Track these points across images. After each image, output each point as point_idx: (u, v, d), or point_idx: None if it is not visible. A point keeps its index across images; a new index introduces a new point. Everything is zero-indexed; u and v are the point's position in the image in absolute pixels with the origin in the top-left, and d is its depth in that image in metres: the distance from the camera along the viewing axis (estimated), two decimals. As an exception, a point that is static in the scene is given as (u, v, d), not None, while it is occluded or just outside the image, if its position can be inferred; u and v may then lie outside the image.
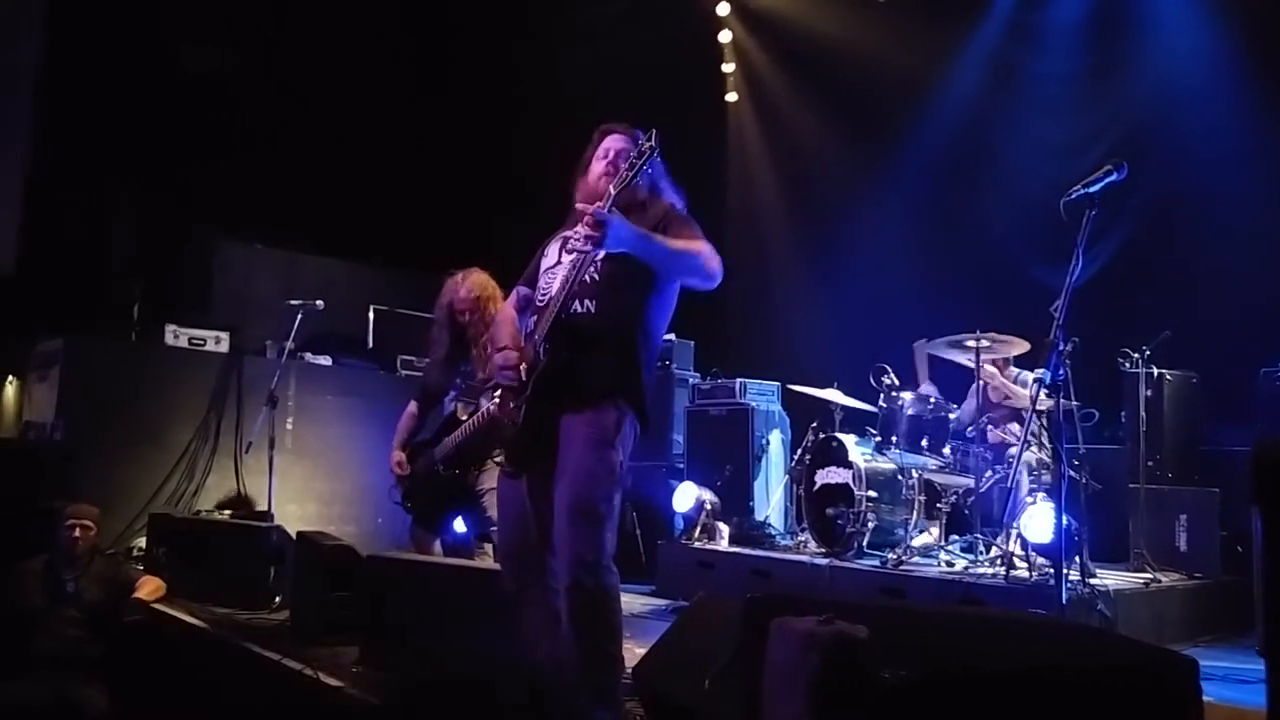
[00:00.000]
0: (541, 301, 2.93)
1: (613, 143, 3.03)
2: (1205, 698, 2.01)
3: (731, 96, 9.25)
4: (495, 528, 4.15)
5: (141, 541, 5.66)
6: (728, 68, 9.20)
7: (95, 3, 7.68)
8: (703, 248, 2.83)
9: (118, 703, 4.23)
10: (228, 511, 6.21)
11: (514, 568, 2.91)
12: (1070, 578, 4.15)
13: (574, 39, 8.54)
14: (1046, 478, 4.92)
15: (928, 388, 5.61)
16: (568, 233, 2.98)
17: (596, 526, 2.68)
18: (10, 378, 7.43)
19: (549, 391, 2.77)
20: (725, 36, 9.07)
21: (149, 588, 4.60)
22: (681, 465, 6.94)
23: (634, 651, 3.15)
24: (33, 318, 7.12)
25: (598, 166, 3.02)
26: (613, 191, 2.77)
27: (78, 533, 4.43)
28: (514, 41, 8.88)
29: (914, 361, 5.84)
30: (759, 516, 6.42)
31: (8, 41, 7.58)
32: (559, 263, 2.96)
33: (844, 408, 5.97)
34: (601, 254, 2.77)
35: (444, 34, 9.01)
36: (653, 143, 2.75)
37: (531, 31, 8.82)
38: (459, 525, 4.39)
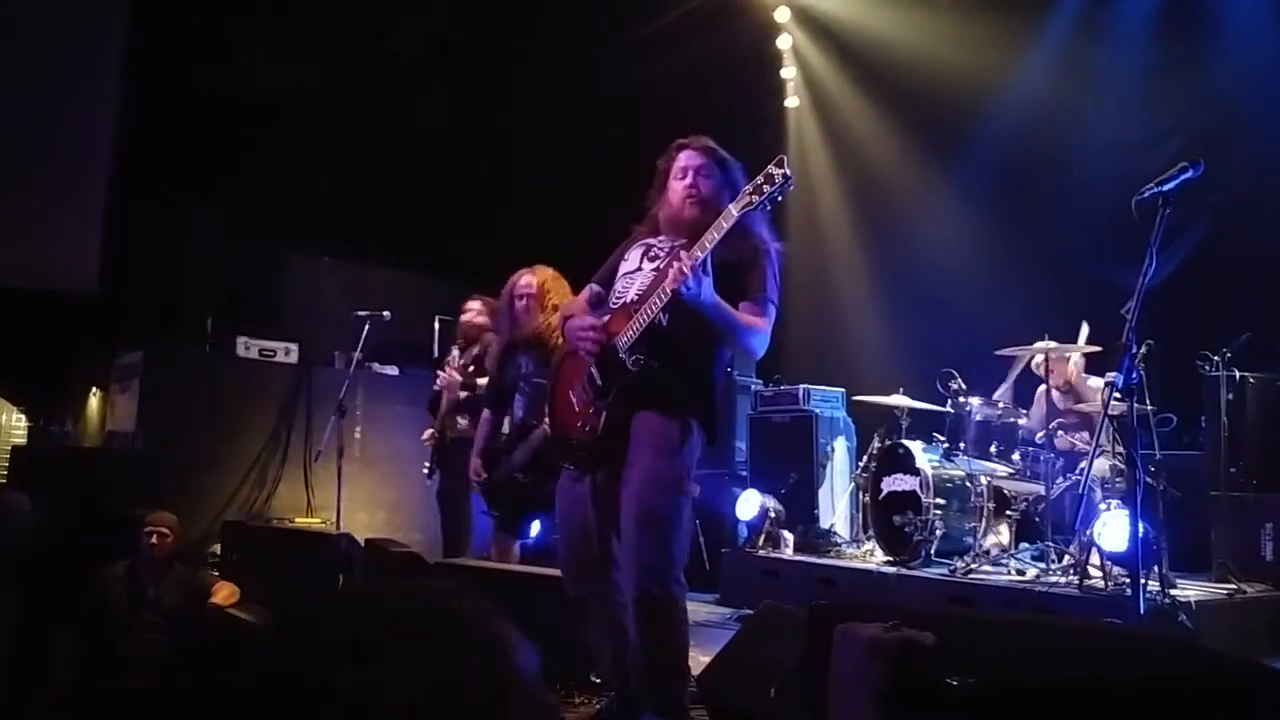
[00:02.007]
0: (615, 304, 2.91)
1: (689, 159, 2.94)
2: (1293, 712, 1.93)
3: (791, 101, 9.19)
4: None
5: (216, 548, 5.81)
6: (787, 73, 9.15)
7: (170, 26, 7.93)
8: (758, 325, 2.79)
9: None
10: (299, 519, 6.34)
11: (575, 577, 2.92)
12: (1149, 588, 4.03)
13: (633, 47, 8.57)
14: (1120, 484, 4.79)
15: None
16: (651, 241, 2.97)
17: (664, 535, 2.67)
18: (94, 389, 7.71)
19: (631, 398, 2.77)
20: (785, 42, 9.02)
21: (224, 593, 4.70)
22: (745, 473, 6.90)
23: (699, 659, 3.13)
24: (114, 332, 7.37)
25: (677, 185, 2.93)
26: (722, 227, 2.66)
27: (155, 539, 4.56)
28: (572, 51, 8.95)
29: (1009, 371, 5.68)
30: (824, 524, 6.36)
31: (89, 68, 7.87)
32: (639, 269, 2.94)
33: (910, 413, 5.89)
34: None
35: (504, 47, 9.11)
36: (787, 171, 2.63)
37: (590, 40, 8.88)
38: (535, 529, 4.42)
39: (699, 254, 2.63)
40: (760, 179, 2.66)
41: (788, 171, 2.61)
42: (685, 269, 2.57)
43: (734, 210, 2.65)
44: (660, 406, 2.75)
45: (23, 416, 8.97)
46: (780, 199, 2.66)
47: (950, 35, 7.49)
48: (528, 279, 4.29)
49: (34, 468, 5.72)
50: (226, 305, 7.37)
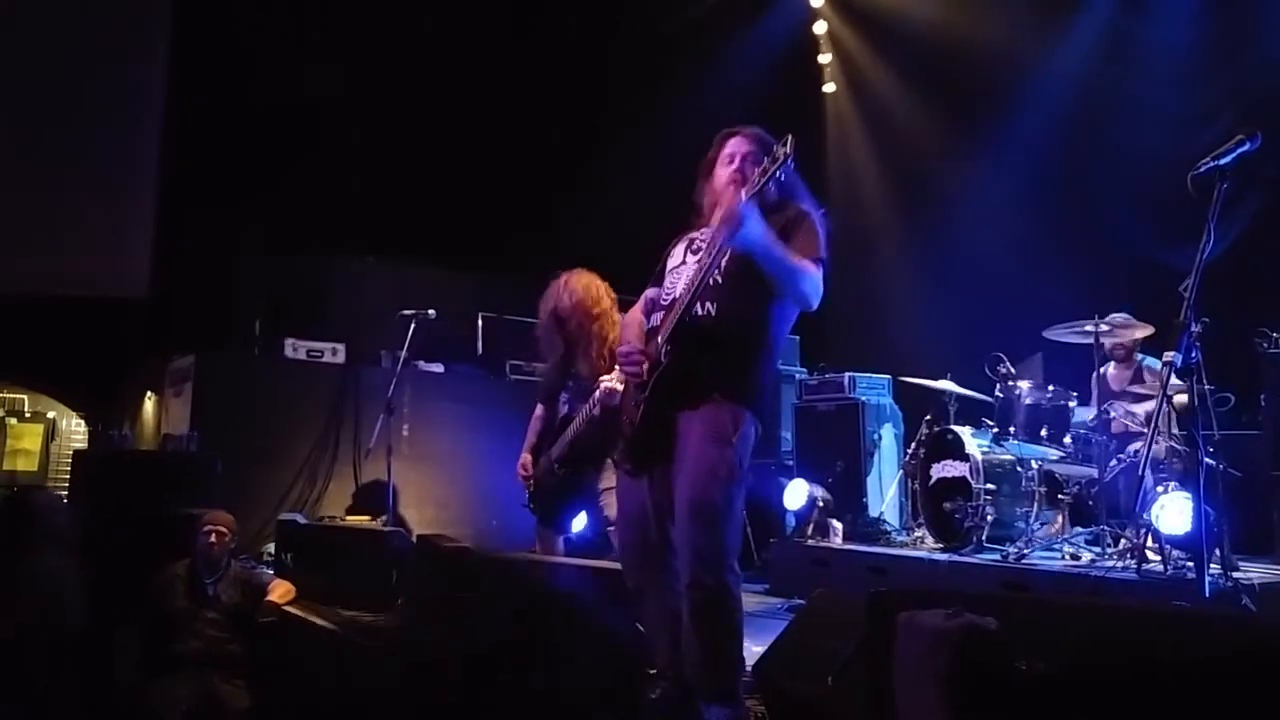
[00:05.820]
0: (666, 301, 2.94)
1: (736, 145, 2.99)
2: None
3: (829, 87, 9.13)
4: (612, 527, 4.18)
5: (270, 546, 5.90)
6: (824, 58, 9.08)
7: (215, 31, 8.04)
8: (812, 271, 2.77)
9: (258, 699, 4.43)
10: (350, 517, 6.42)
11: (633, 566, 2.93)
12: (1210, 570, 3.95)
13: (669, 40, 8.55)
14: (1178, 465, 4.69)
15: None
16: (694, 234, 3.00)
17: (716, 525, 2.67)
18: (149, 393, 7.85)
19: (669, 391, 2.78)
20: (820, 27, 8.96)
21: (280, 591, 4.79)
22: (791, 462, 6.87)
23: (751, 650, 3.13)
24: (166, 337, 7.51)
25: (723, 171, 2.98)
26: (744, 196, 2.73)
27: (214, 538, 4.65)
28: (608, 44, 8.95)
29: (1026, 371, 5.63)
30: (873, 512, 6.31)
31: (136, 78, 8.01)
32: (684, 263, 2.97)
33: (958, 398, 5.82)
34: (726, 257, 2.76)
35: (542, 38, 9.13)
36: (789, 149, 2.67)
37: (628, 32, 8.88)
38: (578, 524, 4.43)
39: (743, 195, 2.72)
40: (766, 161, 2.73)
41: (789, 150, 2.66)
42: (722, 215, 2.66)
43: (744, 195, 2.72)
44: (707, 396, 2.75)
45: (82, 422, 9.21)
46: (784, 178, 2.75)
47: (988, 13, 7.38)
48: (568, 297, 4.27)
49: (96, 471, 5.85)
50: (274, 307, 7.46)
